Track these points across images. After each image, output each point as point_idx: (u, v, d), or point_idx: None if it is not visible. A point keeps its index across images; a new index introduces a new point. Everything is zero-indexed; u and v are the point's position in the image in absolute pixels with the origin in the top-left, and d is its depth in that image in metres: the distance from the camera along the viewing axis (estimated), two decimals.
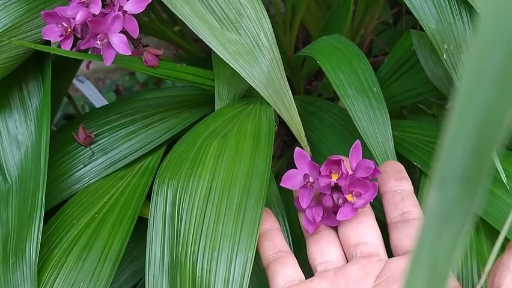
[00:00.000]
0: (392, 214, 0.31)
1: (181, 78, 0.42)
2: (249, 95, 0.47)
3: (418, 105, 0.52)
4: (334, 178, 0.30)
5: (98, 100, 0.71)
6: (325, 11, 0.64)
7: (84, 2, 0.33)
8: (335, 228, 0.32)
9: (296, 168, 0.32)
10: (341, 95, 0.39)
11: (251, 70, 0.40)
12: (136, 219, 0.37)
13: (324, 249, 0.31)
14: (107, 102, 0.69)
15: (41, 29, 0.36)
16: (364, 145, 0.37)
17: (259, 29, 0.41)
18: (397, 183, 0.32)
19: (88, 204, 0.38)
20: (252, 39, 0.41)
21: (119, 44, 0.33)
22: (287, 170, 0.33)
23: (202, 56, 0.60)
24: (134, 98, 0.46)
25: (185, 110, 0.46)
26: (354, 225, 0.31)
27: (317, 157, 0.44)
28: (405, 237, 0.30)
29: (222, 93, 0.44)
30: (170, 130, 0.44)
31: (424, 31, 0.37)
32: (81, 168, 0.41)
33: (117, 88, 0.99)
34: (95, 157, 0.41)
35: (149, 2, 0.35)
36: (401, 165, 0.34)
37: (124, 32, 0.34)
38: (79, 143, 0.41)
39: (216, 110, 0.43)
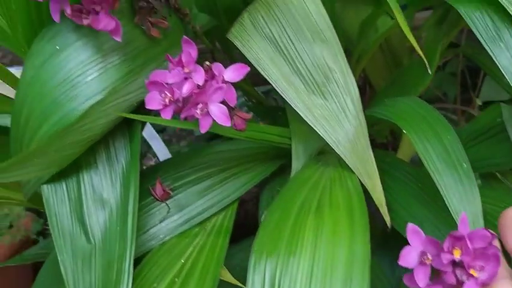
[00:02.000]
0: None
1: (263, 138, 0.41)
2: (322, 151, 0.46)
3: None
4: (457, 254, 0.29)
5: (161, 148, 0.71)
6: (389, 61, 0.64)
7: (187, 71, 0.32)
8: None
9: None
10: (430, 170, 0.37)
11: (336, 135, 0.39)
12: (217, 284, 0.36)
13: None
14: (167, 150, 0.69)
15: (138, 91, 0.35)
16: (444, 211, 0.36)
17: (346, 94, 0.40)
18: None
19: (166, 266, 0.37)
20: (338, 104, 0.40)
21: (220, 114, 0.33)
22: None
23: (269, 102, 0.59)
24: (207, 150, 0.46)
25: (258, 165, 0.46)
26: None
27: (396, 220, 0.42)
28: None
29: (299, 152, 0.43)
30: (244, 186, 0.44)
31: None
32: (156, 225, 0.40)
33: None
34: (170, 213, 0.41)
35: (248, 70, 0.35)
36: None
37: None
38: (155, 198, 0.41)
39: (293, 170, 0.42)
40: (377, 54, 0.64)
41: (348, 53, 0.63)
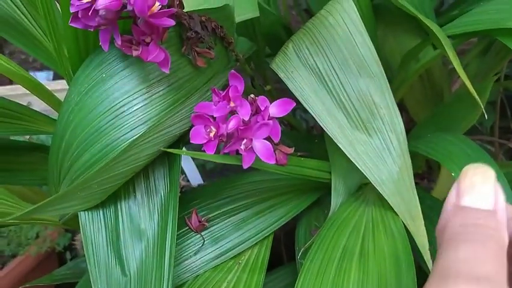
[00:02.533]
0: None
1: (302, 173, 0.40)
2: (362, 185, 0.45)
3: None
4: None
5: (189, 166, 0.71)
6: (428, 90, 0.62)
7: (232, 106, 0.32)
8: None
9: None
10: None
11: (379, 174, 0.38)
12: None
13: None
14: (199, 176, 0.68)
15: (182, 122, 0.35)
16: None
17: (392, 131, 0.39)
18: None
19: None
20: (382, 141, 0.39)
21: (264, 151, 0.32)
22: None
23: (297, 122, 0.58)
24: (243, 180, 0.45)
25: (294, 197, 0.44)
26: None
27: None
28: None
29: (339, 189, 0.42)
30: (280, 219, 0.42)
31: None
32: (191, 257, 0.39)
33: None
34: (205, 245, 0.40)
35: (293, 106, 0.34)
36: None
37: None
38: (190, 229, 0.40)
39: (332, 207, 0.41)
40: (415, 82, 0.62)
41: (388, 80, 0.62)
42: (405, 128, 0.77)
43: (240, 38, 0.55)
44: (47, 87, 0.44)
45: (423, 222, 0.37)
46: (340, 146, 0.38)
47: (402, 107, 0.72)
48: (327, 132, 0.39)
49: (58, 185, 0.37)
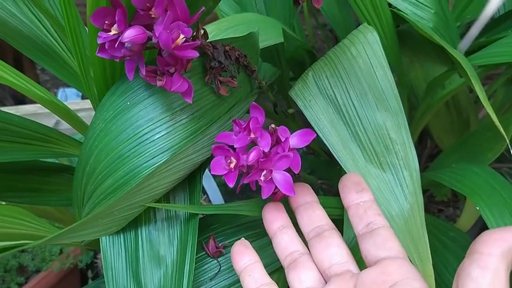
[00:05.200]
0: (358, 227, 0.32)
1: None
2: None
3: None
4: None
5: (215, 193, 0.71)
6: (454, 116, 0.61)
7: (253, 137, 0.32)
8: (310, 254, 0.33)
9: None
10: None
11: (389, 210, 0.37)
12: None
13: (301, 275, 0.32)
14: (221, 196, 0.68)
15: (203, 150, 0.35)
16: None
17: (406, 168, 0.38)
18: (358, 196, 0.33)
19: None
20: (395, 177, 0.38)
21: (284, 183, 0.32)
22: None
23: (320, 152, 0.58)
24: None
25: None
26: (324, 248, 0.32)
27: None
28: (372, 247, 0.31)
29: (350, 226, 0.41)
30: None
31: None
32: (206, 283, 0.39)
33: None
34: (221, 272, 0.40)
35: (314, 136, 0.34)
36: (360, 176, 0.35)
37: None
38: (207, 254, 0.40)
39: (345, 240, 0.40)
40: (441, 108, 0.61)
41: (412, 106, 0.61)
42: (429, 153, 0.76)
43: (263, 63, 0.55)
44: (76, 106, 0.46)
45: (431, 262, 0.36)
46: None
47: (427, 132, 0.71)
48: (340, 163, 0.38)
49: (82, 207, 0.38)
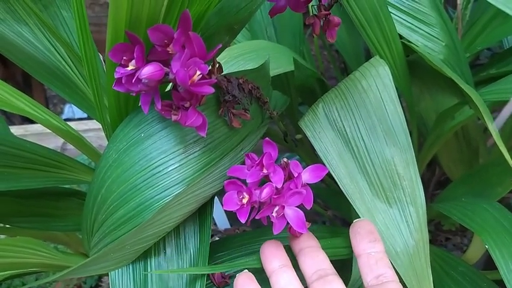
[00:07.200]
0: (368, 277, 0.32)
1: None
2: None
3: None
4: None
5: (221, 218, 0.71)
6: (463, 146, 0.61)
7: (265, 172, 0.32)
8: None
9: None
10: None
11: (394, 246, 0.37)
12: None
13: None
14: (227, 221, 0.68)
15: (215, 183, 0.35)
16: None
17: (412, 205, 0.37)
18: (371, 246, 0.33)
19: None
20: (402, 212, 0.37)
21: (296, 220, 0.32)
22: None
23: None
24: (269, 235, 0.44)
25: None
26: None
27: None
28: None
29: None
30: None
31: None
32: None
33: None
34: None
35: (326, 172, 0.34)
36: (372, 224, 0.35)
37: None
38: (213, 283, 0.40)
39: (352, 276, 0.40)
40: (450, 137, 0.61)
41: (421, 135, 0.61)
42: (437, 180, 0.76)
43: (273, 91, 0.55)
44: (84, 126, 0.46)
45: None
46: (357, 212, 0.38)
47: (435, 159, 0.71)
48: (347, 196, 0.38)
49: (91, 236, 0.38)
